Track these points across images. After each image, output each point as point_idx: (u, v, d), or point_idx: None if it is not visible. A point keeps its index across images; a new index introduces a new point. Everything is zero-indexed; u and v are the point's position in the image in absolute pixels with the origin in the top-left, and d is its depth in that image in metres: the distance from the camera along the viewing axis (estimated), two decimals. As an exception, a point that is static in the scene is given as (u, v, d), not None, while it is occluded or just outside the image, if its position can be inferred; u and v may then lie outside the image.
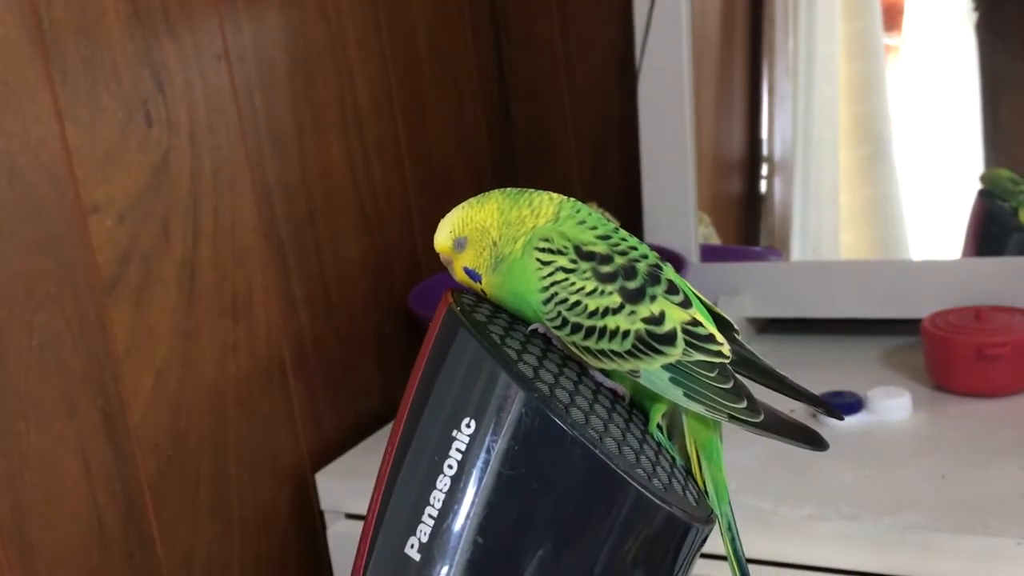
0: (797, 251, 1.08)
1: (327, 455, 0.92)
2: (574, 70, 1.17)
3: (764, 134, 1.11)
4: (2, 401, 0.67)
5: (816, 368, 0.94)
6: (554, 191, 0.45)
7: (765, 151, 1.11)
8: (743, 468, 0.75)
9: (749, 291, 1.02)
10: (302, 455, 0.90)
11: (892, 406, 0.82)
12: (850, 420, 0.82)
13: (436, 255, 0.45)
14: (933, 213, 1.03)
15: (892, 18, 1.02)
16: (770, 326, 1.07)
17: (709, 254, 1.06)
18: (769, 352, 1.00)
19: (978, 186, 0.97)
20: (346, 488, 0.87)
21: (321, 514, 0.89)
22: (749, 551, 0.70)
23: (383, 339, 1.00)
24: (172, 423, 0.78)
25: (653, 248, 0.44)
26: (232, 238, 0.83)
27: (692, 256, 1.03)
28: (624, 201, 1.12)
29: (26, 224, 0.68)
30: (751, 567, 0.72)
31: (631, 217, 1.09)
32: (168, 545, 0.78)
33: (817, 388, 0.85)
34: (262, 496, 0.86)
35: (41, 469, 0.69)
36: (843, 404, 0.82)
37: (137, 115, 0.76)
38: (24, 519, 0.68)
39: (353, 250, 0.97)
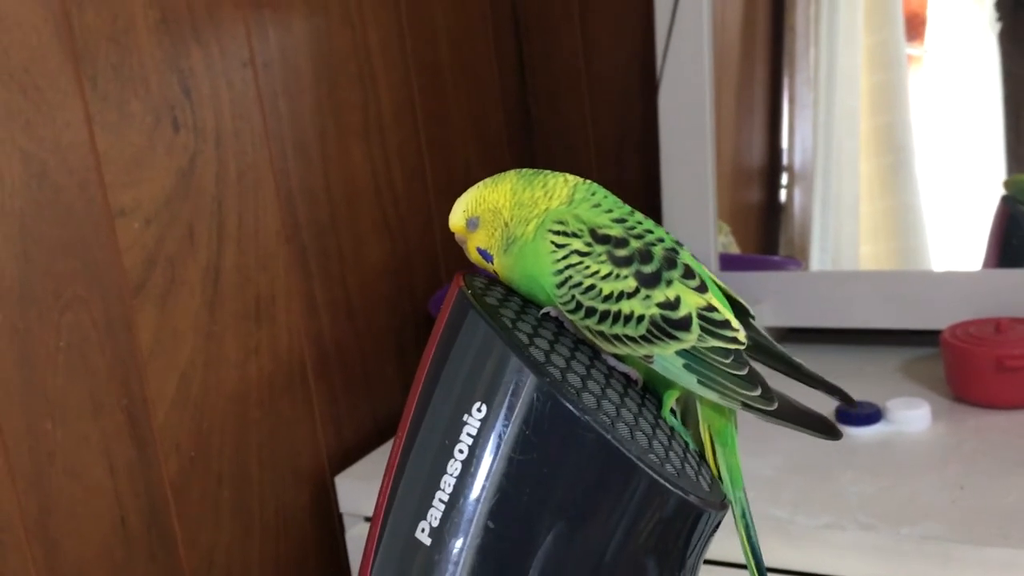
0: (817, 261, 1.08)
1: (346, 458, 0.93)
2: (595, 77, 1.17)
3: (784, 143, 1.11)
4: (29, 400, 0.68)
5: (835, 378, 0.92)
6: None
7: (785, 160, 1.11)
8: (760, 477, 0.75)
9: (768, 300, 1.02)
10: (322, 458, 0.91)
11: (911, 417, 0.81)
12: (869, 430, 0.82)
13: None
14: (955, 223, 1.03)
15: (914, 28, 1.02)
16: (789, 336, 1.07)
17: (728, 263, 1.06)
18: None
19: (1001, 193, 0.97)
20: (365, 491, 0.87)
21: (340, 517, 0.90)
22: (766, 560, 0.70)
23: (403, 343, 1.01)
24: (195, 424, 0.79)
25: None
26: (256, 242, 0.84)
27: (711, 265, 1.04)
28: (643, 208, 1.12)
29: (55, 227, 0.70)
30: None
31: (651, 225, 1.09)
32: (190, 545, 0.79)
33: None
34: (282, 498, 0.87)
35: (66, 468, 0.70)
36: (862, 415, 0.82)
37: (164, 120, 0.77)
38: (49, 517, 0.69)
39: (374, 255, 0.97)
